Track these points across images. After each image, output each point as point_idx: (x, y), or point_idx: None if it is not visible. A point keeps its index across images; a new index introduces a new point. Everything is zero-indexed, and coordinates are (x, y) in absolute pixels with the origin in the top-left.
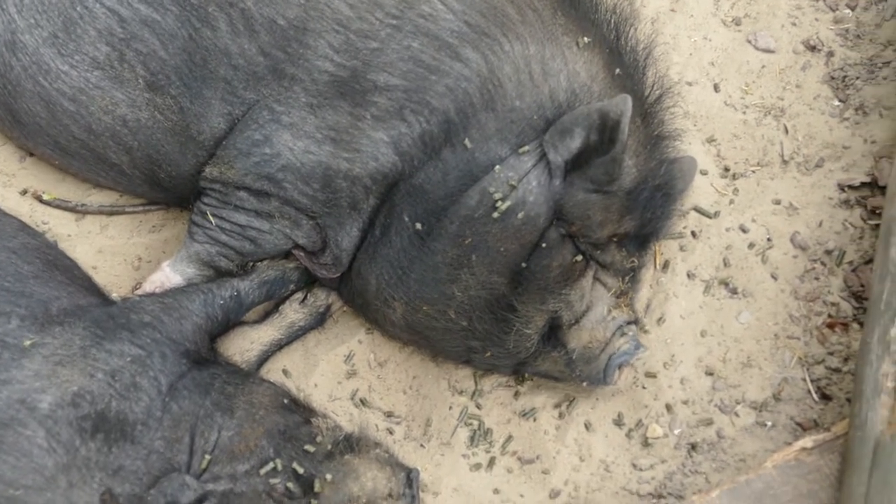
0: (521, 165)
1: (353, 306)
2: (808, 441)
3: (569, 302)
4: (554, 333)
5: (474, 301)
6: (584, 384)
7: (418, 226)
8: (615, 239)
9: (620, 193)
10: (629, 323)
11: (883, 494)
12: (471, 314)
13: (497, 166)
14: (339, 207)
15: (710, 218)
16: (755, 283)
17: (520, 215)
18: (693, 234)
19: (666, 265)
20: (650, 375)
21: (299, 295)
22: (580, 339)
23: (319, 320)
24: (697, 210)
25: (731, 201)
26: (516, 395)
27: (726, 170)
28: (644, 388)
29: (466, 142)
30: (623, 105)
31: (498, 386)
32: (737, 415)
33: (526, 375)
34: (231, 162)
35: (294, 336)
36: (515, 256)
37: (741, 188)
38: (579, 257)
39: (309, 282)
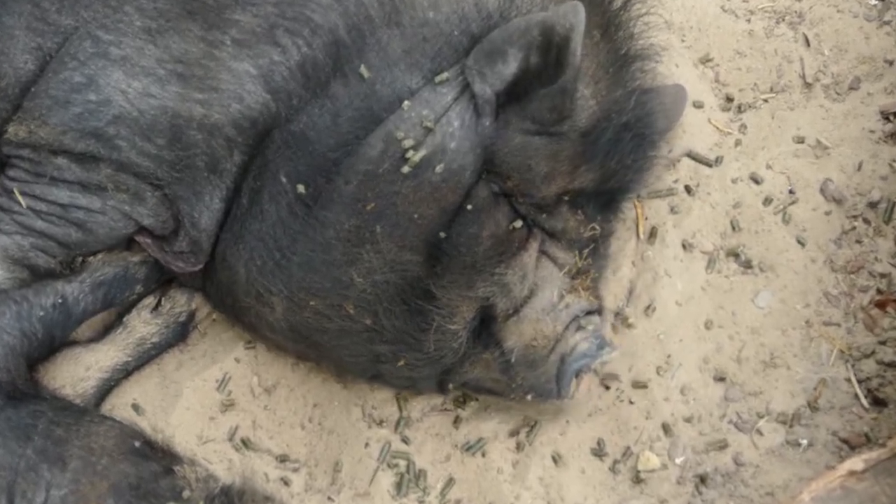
0: (439, 100)
1: (225, 311)
2: (857, 462)
3: (505, 285)
4: (486, 329)
5: (380, 289)
6: (529, 398)
7: (300, 189)
8: (567, 198)
9: (573, 135)
10: (590, 313)
11: None
12: (376, 308)
13: (405, 102)
14: (194, 170)
15: (709, 167)
16: (776, 253)
17: (438, 168)
18: (688, 189)
19: (653, 234)
20: (639, 385)
21: (150, 300)
22: (521, 336)
23: (180, 334)
24: (692, 157)
25: (738, 142)
26: (457, 421)
27: (729, 100)
28: (631, 402)
29: (363, 70)
30: (573, 15)
31: (431, 411)
32: (759, 433)
33: (469, 396)
34: (44, 116)
35: (146, 357)
36: (433, 225)
37: (750, 124)
38: (518, 223)
39: (162, 281)
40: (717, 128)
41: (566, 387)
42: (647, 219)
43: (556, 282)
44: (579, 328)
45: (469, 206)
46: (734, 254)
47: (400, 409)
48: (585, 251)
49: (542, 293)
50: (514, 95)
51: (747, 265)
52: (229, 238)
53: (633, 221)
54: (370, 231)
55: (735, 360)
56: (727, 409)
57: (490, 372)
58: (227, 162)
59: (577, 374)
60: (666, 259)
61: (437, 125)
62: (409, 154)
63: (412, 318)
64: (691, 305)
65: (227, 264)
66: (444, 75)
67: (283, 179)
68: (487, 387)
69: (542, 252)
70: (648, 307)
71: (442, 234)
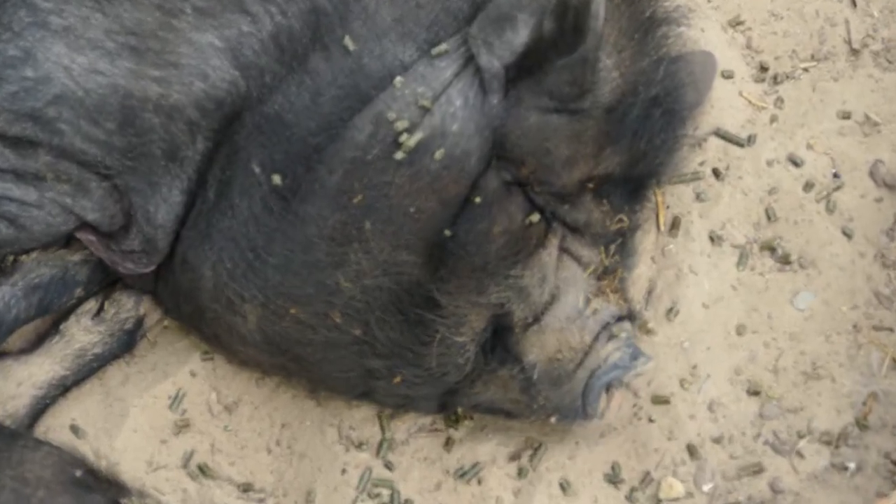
0: (437, 75)
1: (181, 318)
2: None
3: (521, 289)
4: (501, 342)
5: (371, 295)
6: (554, 420)
7: (276, 179)
8: (591, 186)
9: (596, 113)
10: (621, 319)
11: None
12: (367, 317)
13: (398, 78)
14: (150, 159)
15: (741, 147)
16: (818, 246)
17: (437, 154)
18: (716, 173)
19: (676, 225)
20: (660, 401)
21: (91, 304)
22: (543, 349)
23: (126, 344)
24: (721, 135)
25: (774, 118)
26: (448, 443)
27: (763, 69)
28: (651, 420)
29: (347, 41)
30: None
31: (419, 431)
32: (800, 455)
33: (460, 412)
34: None
35: (87, 371)
36: (434, 220)
37: (788, 97)
38: (536, 217)
39: (106, 283)
40: (750, 102)
41: (595, 404)
42: (668, 208)
43: (580, 284)
44: (611, 337)
45: (477, 199)
46: (770, 247)
47: (382, 429)
48: (612, 247)
49: (565, 298)
50: (525, 68)
51: (785, 260)
52: (193, 236)
53: (652, 211)
54: (359, 228)
55: (771, 371)
56: (762, 428)
57: (507, 392)
58: (188, 149)
59: (608, 389)
60: (691, 254)
61: (435, 104)
62: (403, 138)
63: (410, 329)
64: (720, 307)
65: (189, 266)
66: (443, 46)
67: (256, 169)
68: (503, 409)
69: (564, 249)
70: (671, 310)
71: (445, 232)
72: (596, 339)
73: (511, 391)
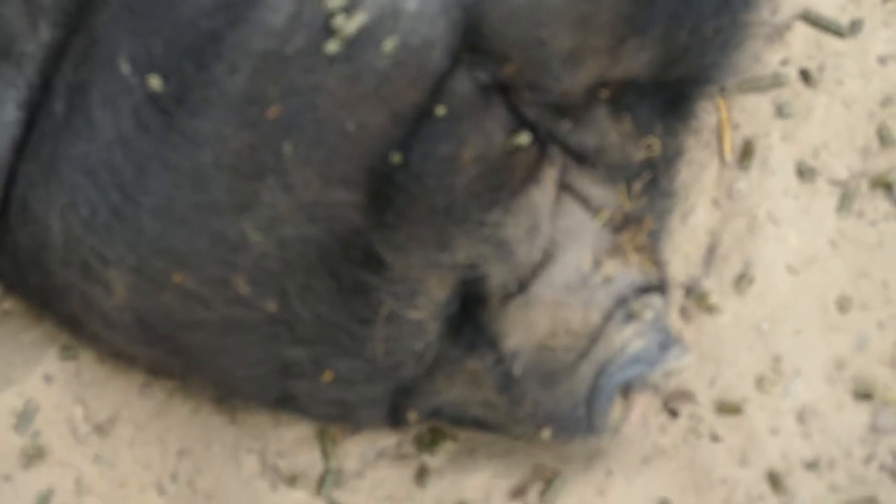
0: None
1: (28, 295)
2: None
3: (501, 243)
4: (471, 319)
5: (291, 253)
6: (546, 435)
7: (155, 83)
8: (606, 95)
9: None
10: (646, 290)
11: None
12: (284, 284)
13: None
14: None
15: (840, 37)
16: None
17: (387, 45)
18: (805, 76)
19: (748, 153)
20: (729, 410)
21: None
22: (531, 331)
23: None
24: (811, 21)
25: None
26: (421, 475)
27: None
28: (716, 439)
29: None
30: None
31: (378, 458)
32: None
33: (441, 433)
34: None
35: None
36: (380, 142)
37: None
38: (524, 138)
39: None
40: None
41: (605, 414)
42: (737, 128)
43: (588, 238)
44: (630, 316)
45: (440, 110)
46: (885, 184)
47: (325, 455)
48: (637, 184)
49: (564, 258)
50: None
51: None
52: (34, 171)
53: (712, 133)
54: (274, 153)
55: (889, 365)
56: (876, 446)
57: (479, 391)
58: (27, 41)
59: (626, 393)
60: (770, 195)
61: None
62: (338, 21)
63: (345, 300)
64: (814, 273)
65: (31, 216)
66: None
67: (125, 67)
68: (474, 416)
69: (565, 187)
70: (742, 277)
71: (395, 158)
72: (608, 319)
73: (484, 390)
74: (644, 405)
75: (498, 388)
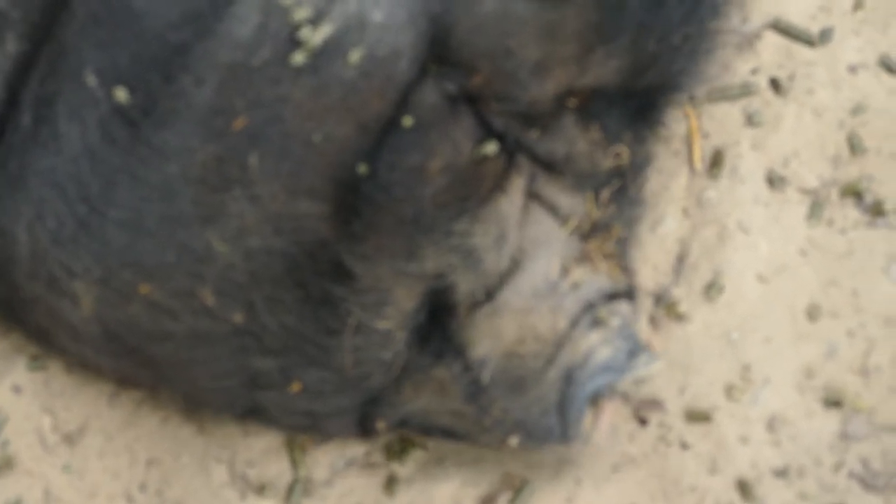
0: None
1: None
2: None
3: (469, 253)
4: (439, 328)
5: (257, 263)
6: (514, 442)
7: (121, 96)
8: (574, 104)
9: None
10: (613, 297)
11: None
12: (251, 295)
13: None
14: None
15: (810, 46)
16: None
17: (353, 56)
18: (775, 85)
19: (717, 162)
20: (698, 417)
21: None
22: (499, 338)
23: None
24: (781, 30)
25: (859, 4)
26: (390, 484)
27: None
28: (686, 446)
29: None
30: None
31: (347, 466)
32: None
33: (410, 441)
34: None
35: None
36: (348, 153)
37: None
38: (492, 147)
39: None
40: None
41: (575, 422)
42: (706, 136)
43: (555, 245)
44: (596, 323)
45: (407, 120)
46: (854, 192)
47: (294, 464)
48: (606, 193)
49: (532, 265)
50: None
51: (876, 211)
52: (1, 184)
53: (682, 142)
54: (240, 165)
55: (858, 373)
56: (846, 454)
57: (446, 400)
58: None
59: (595, 400)
60: (740, 204)
61: None
62: (305, 33)
63: (313, 311)
64: (784, 281)
65: None
66: None
67: (92, 80)
68: (442, 425)
69: (533, 195)
70: (711, 286)
71: (362, 169)
72: (575, 324)
73: (452, 399)
74: (613, 413)
75: (466, 397)
